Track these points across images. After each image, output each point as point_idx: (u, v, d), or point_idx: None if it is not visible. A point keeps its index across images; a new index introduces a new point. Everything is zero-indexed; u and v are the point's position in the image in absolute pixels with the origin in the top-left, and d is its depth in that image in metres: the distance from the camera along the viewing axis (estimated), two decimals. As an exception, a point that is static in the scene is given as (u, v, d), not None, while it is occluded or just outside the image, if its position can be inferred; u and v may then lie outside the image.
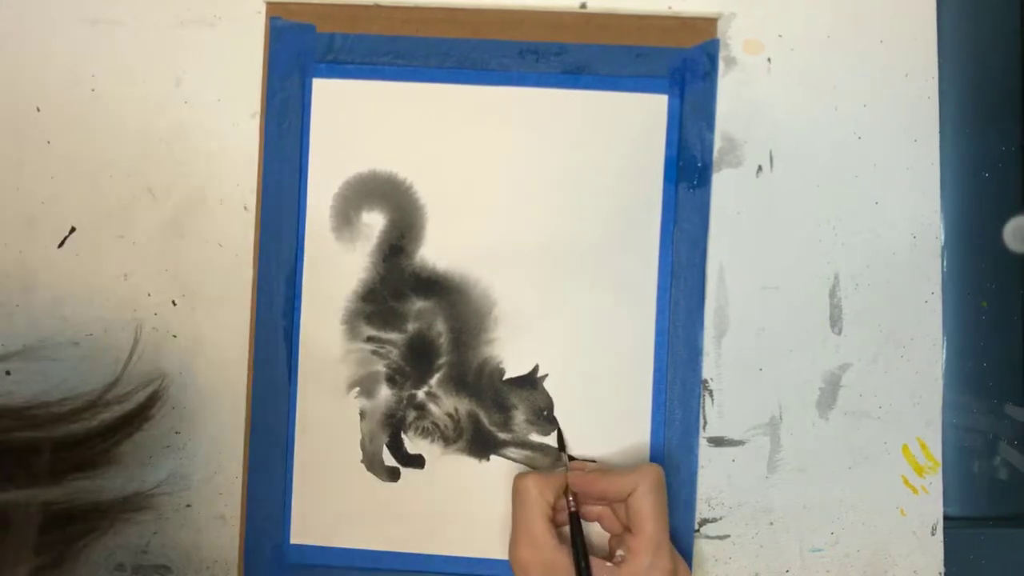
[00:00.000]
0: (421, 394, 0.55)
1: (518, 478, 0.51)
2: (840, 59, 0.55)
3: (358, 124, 0.56)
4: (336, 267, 0.56)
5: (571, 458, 0.54)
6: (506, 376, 0.55)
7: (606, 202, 0.55)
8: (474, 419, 0.55)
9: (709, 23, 0.55)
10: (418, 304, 0.55)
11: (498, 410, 0.55)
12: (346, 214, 0.56)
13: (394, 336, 0.55)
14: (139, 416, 0.51)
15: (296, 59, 0.56)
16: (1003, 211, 0.57)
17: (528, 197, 0.55)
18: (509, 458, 0.55)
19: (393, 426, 0.55)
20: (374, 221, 0.56)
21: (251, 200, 0.56)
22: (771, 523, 0.55)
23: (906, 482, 0.55)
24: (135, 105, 0.56)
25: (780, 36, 0.56)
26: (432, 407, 0.55)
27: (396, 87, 0.56)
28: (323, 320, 0.56)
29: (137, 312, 0.56)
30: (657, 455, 0.55)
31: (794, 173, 0.55)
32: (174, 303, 0.56)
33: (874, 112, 0.55)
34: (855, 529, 0.55)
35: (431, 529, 0.55)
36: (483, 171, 0.55)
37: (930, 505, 0.55)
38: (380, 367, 0.55)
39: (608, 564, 0.50)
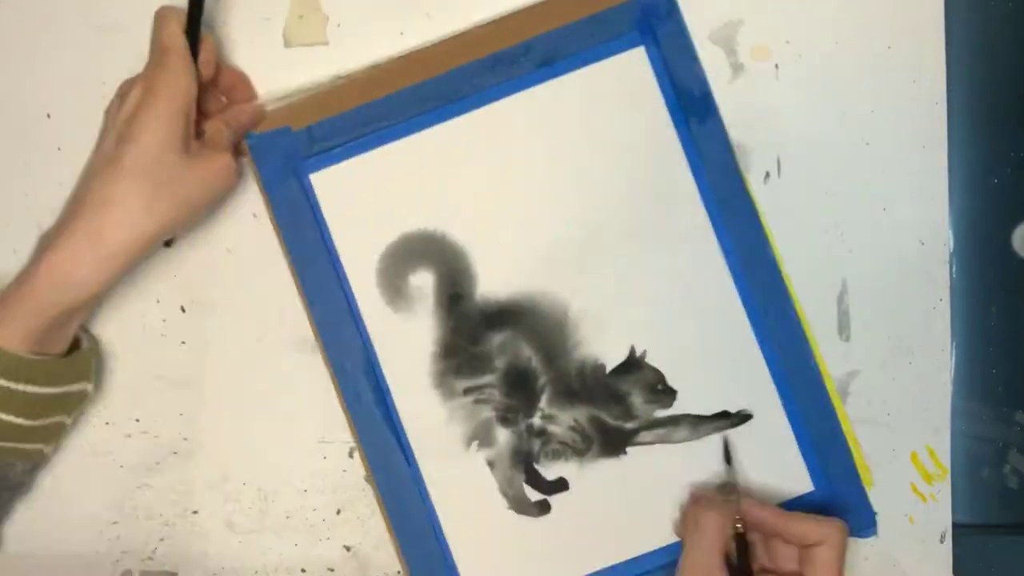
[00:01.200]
0: (537, 420, 0.55)
1: (699, 511, 0.50)
2: (848, 65, 0.55)
3: (369, 198, 0.55)
4: (406, 338, 0.55)
5: (729, 485, 0.53)
6: (608, 369, 0.55)
7: (632, 169, 0.55)
8: (597, 422, 0.55)
9: None
10: (498, 339, 0.55)
11: (615, 403, 0.55)
12: (394, 285, 0.55)
13: (488, 378, 0.55)
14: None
15: (284, 165, 0.55)
16: (1012, 217, 0.57)
17: (558, 197, 0.55)
18: (644, 443, 0.55)
19: (524, 462, 0.55)
20: (423, 281, 0.55)
21: (260, 208, 0.56)
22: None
23: (914, 489, 0.55)
24: (143, 112, 0.56)
25: (787, 42, 0.55)
26: (553, 428, 0.55)
27: (389, 149, 0.55)
28: (415, 392, 0.55)
29: (145, 318, 0.56)
30: (779, 379, 0.54)
31: (802, 179, 0.55)
32: (183, 309, 0.57)
33: (882, 118, 0.55)
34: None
35: (598, 541, 0.55)
36: (505, 191, 0.55)
37: (939, 513, 0.55)
38: (488, 412, 0.55)
39: None
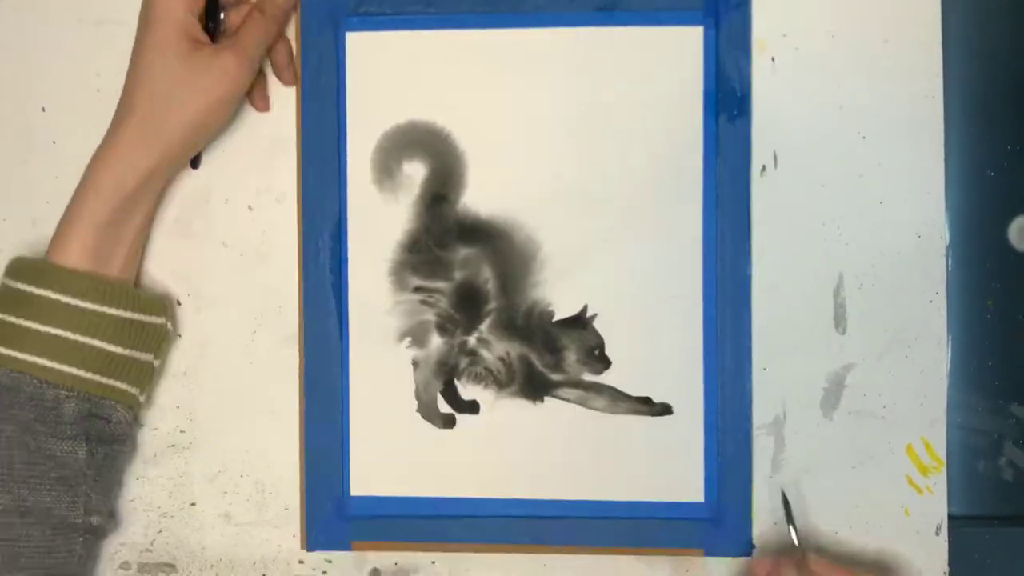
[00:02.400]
0: (472, 340, 0.56)
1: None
2: (844, 58, 0.55)
3: (393, 75, 0.56)
4: (380, 219, 0.56)
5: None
6: (555, 318, 0.55)
7: (646, 139, 0.55)
8: (526, 362, 0.55)
9: None
10: (463, 252, 0.55)
11: (549, 352, 0.55)
12: (387, 166, 0.56)
13: (441, 285, 0.56)
14: None
15: (328, 14, 0.55)
16: (1008, 210, 0.57)
17: (568, 138, 0.56)
18: (563, 399, 0.55)
19: (446, 373, 0.56)
20: (415, 171, 0.56)
21: (256, 202, 0.56)
22: (775, 523, 0.55)
23: (910, 482, 0.55)
24: (140, 105, 0.56)
25: (784, 35, 0.56)
26: (484, 353, 0.56)
27: (429, 36, 0.55)
28: (370, 273, 0.56)
29: (142, 311, 0.56)
30: (711, 388, 0.55)
31: (798, 173, 0.55)
32: (179, 303, 0.57)
33: (878, 111, 0.55)
34: (859, 529, 0.55)
35: (489, 473, 0.56)
36: (522, 114, 0.56)
37: (934, 505, 0.55)
38: (430, 316, 0.56)
39: None
